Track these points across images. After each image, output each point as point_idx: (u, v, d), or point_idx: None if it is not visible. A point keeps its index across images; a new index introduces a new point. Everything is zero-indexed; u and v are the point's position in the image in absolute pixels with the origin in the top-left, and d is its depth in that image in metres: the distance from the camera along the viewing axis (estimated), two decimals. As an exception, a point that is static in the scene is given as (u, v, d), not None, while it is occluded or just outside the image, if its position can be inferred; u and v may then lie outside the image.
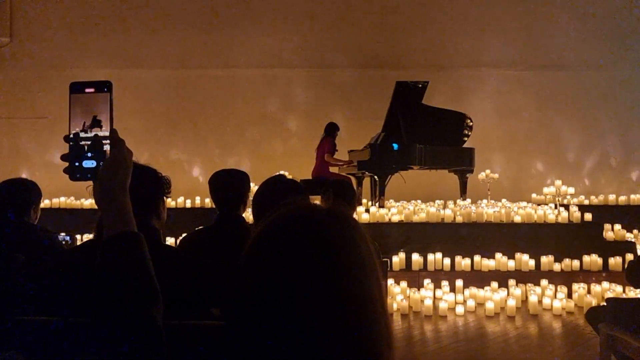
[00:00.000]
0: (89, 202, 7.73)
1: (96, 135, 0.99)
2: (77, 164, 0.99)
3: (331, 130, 7.47)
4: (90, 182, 1.00)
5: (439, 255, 5.97)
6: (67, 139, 0.99)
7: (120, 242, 0.91)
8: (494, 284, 5.59)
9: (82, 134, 0.99)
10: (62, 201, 8.09)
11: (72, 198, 8.14)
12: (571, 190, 7.27)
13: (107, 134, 0.99)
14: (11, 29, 9.87)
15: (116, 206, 0.94)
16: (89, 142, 0.99)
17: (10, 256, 2.29)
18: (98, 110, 0.99)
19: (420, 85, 7.34)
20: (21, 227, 2.65)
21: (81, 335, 1.13)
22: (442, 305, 5.15)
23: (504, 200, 8.10)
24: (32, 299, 1.48)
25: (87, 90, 1.00)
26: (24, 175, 7.75)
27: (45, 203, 7.22)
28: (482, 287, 5.53)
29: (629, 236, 6.88)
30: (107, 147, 0.99)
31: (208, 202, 7.77)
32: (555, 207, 6.95)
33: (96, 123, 0.99)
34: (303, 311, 0.71)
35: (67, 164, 0.99)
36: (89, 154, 0.98)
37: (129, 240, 0.92)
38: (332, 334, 0.71)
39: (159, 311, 0.90)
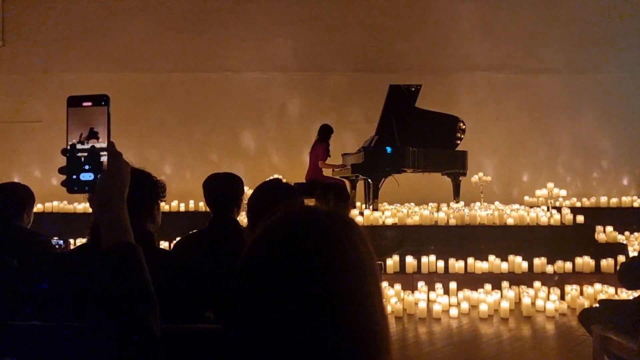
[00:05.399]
0: (82, 207, 7.69)
1: (93, 146, 0.99)
2: (74, 177, 0.99)
3: (325, 134, 7.37)
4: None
5: (432, 257, 5.99)
6: (64, 151, 1.00)
7: (118, 253, 0.94)
8: (488, 286, 5.61)
9: (78, 146, 0.99)
10: (55, 205, 8.04)
11: (65, 202, 8.10)
12: (563, 192, 7.31)
13: (104, 145, 0.99)
14: (3, 33, 9.82)
15: (114, 217, 0.96)
16: (85, 154, 0.99)
17: (3, 260, 2.27)
18: (95, 123, 1.00)
19: (413, 89, 7.37)
20: (14, 232, 2.64)
21: (76, 341, 1.13)
22: (436, 308, 5.16)
23: (496, 202, 8.13)
24: (25, 304, 1.48)
25: (85, 103, 1.00)
26: (16, 180, 7.70)
27: (38, 207, 7.18)
28: (476, 290, 5.54)
29: (621, 238, 6.92)
30: (104, 159, 0.99)
31: (202, 205, 7.75)
32: (548, 210, 6.98)
33: (93, 135, 0.99)
34: (301, 313, 0.71)
35: (64, 177, 0.99)
36: (86, 167, 0.99)
37: (126, 251, 0.95)
38: (330, 336, 0.71)
39: (156, 320, 0.92)
